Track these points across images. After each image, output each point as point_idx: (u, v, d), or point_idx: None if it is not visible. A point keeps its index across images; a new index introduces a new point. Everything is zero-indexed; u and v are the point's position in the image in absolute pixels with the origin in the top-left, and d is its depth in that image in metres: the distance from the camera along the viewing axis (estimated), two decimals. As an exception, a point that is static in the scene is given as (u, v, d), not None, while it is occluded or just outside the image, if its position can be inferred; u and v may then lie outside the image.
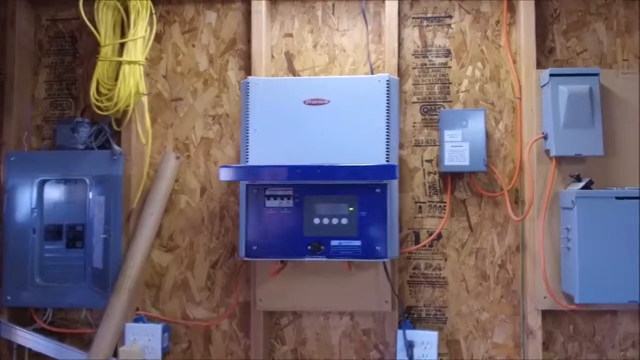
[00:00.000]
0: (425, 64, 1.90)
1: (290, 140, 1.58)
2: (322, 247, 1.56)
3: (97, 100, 1.77)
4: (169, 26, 1.96)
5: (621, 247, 1.59)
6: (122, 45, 1.80)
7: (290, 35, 1.93)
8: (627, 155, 1.73)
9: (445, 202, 1.85)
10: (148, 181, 1.89)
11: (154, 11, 1.85)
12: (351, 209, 1.56)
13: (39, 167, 1.88)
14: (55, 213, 1.89)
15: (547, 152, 1.73)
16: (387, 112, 1.58)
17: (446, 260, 1.86)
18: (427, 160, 1.88)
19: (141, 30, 1.79)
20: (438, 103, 1.89)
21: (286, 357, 1.89)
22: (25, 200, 1.87)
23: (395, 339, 1.76)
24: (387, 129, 1.57)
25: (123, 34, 1.82)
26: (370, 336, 1.87)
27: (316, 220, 1.57)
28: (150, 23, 1.84)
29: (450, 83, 1.88)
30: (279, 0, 1.93)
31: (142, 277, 1.90)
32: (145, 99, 1.82)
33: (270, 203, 1.58)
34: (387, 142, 1.57)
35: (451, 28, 1.89)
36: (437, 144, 1.86)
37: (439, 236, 1.86)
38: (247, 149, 1.59)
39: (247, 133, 1.59)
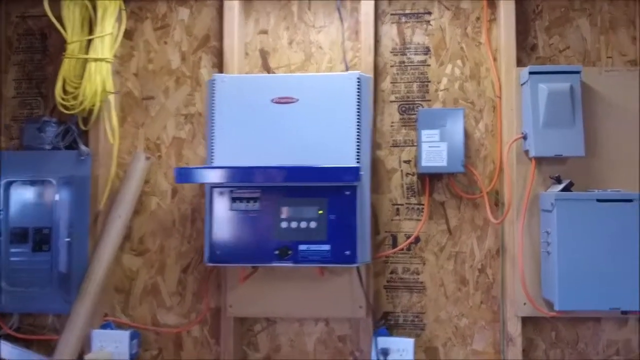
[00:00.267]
0: (404, 62, 1.84)
1: (257, 140, 1.51)
2: (290, 252, 1.50)
3: (62, 99, 1.72)
4: (140, 23, 1.90)
5: (603, 252, 1.53)
6: (90, 42, 1.74)
7: (265, 32, 1.87)
8: (610, 156, 1.67)
9: (423, 205, 1.79)
10: (118, 182, 1.83)
11: (123, 7, 1.79)
12: (320, 212, 1.49)
13: (5, 168, 1.82)
14: (21, 215, 1.82)
15: (527, 152, 1.67)
16: (358, 111, 1.52)
17: (424, 264, 1.80)
18: (405, 161, 1.82)
19: (109, 27, 1.73)
20: (416, 102, 1.83)
21: (259, 365, 1.84)
22: (-10, 202, 1.81)
23: (371, 346, 1.70)
24: (358, 128, 1.51)
25: (92, 31, 1.76)
26: (346, 343, 1.81)
27: (284, 224, 1.51)
28: (119, 20, 1.78)
29: (429, 81, 1.82)
30: (254, -4, 1.88)
31: (111, 282, 1.84)
32: (112, 97, 1.76)
33: (236, 206, 1.51)
34: (358, 142, 1.51)
35: (430, 25, 1.84)
36: (416, 144, 1.80)
37: (417, 239, 1.80)
38: (213, 149, 1.53)
39: (213, 133, 1.53)
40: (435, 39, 1.83)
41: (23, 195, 1.84)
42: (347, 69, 1.78)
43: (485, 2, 1.79)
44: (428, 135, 1.70)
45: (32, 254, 1.81)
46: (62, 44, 1.82)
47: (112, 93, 1.74)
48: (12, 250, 1.81)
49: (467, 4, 1.82)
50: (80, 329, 1.70)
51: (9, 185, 1.82)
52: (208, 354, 1.83)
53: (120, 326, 1.83)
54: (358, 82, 1.52)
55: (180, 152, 1.86)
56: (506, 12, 1.73)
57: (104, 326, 1.80)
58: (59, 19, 1.74)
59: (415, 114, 1.80)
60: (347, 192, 1.48)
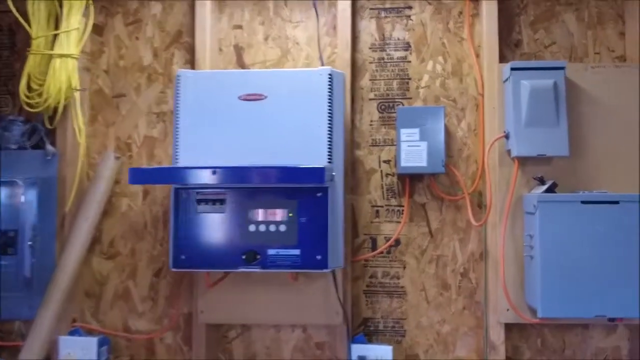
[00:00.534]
0: (383, 58, 1.77)
1: (223, 139, 1.44)
2: (258, 257, 1.43)
3: (27, 96, 1.65)
4: (111, 18, 1.83)
5: (588, 257, 1.46)
6: (55, 38, 1.67)
7: (240, 27, 1.81)
8: (597, 156, 1.60)
9: (403, 206, 1.72)
10: (88, 183, 1.76)
11: (91, 2, 1.72)
12: (290, 214, 1.42)
13: (-30, 169, 1.76)
14: (-13, 218, 1.77)
15: (509, 152, 1.60)
16: (330, 109, 1.45)
17: (405, 268, 1.73)
18: (384, 161, 1.75)
19: (75, 22, 1.66)
20: (397, 100, 1.76)
21: (233, 373, 1.77)
22: (-45, 204, 1.75)
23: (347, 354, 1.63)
24: (330, 127, 1.44)
25: (58, 27, 1.69)
26: (324, 350, 1.75)
27: (252, 227, 1.44)
28: (87, 14, 1.71)
29: (410, 78, 1.76)
30: (228, -10, 1.81)
31: (80, 286, 1.77)
32: (78, 95, 1.70)
33: (201, 208, 1.44)
34: (330, 141, 1.44)
35: (411, 20, 1.77)
36: (396, 143, 1.73)
37: (397, 242, 1.73)
38: (177, 148, 1.46)
39: (177, 131, 1.46)
40: (416, 34, 1.76)
41: (-11, 197, 1.77)
42: (323, 66, 1.71)
43: (468, -4, 1.73)
44: (407, 135, 1.63)
45: (-3, 257, 1.75)
46: (30, 40, 1.75)
47: (78, 90, 1.67)
48: (-22, 253, 1.75)
49: (449, -2, 1.76)
50: (45, 335, 1.63)
51: (-26, 186, 1.76)
52: (180, 362, 1.76)
53: (89, 332, 1.76)
54: (329, 78, 1.45)
55: (152, 151, 1.79)
56: (488, 7, 1.67)
57: (72, 332, 1.73)
58: (26, 15, 1.67)
59: (395, 112, 1.73)
60: (319, 194, 1.41)
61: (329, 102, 1.45)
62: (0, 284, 1.73)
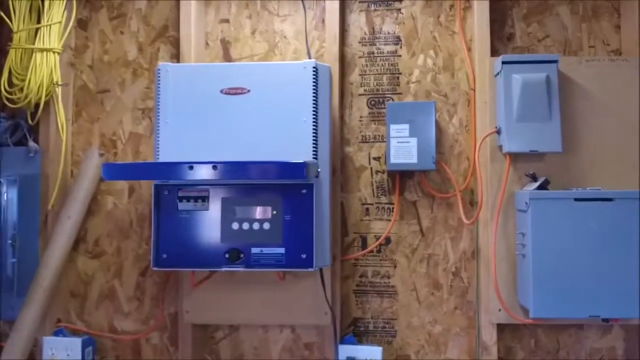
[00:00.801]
0: (373, 53, 1.73)
1: (205, 134, 1.40)
2: (242, 256, 1.39)
3: (7, 91, 1.61)
4: (95, 12, 1.79)
5: (581, 255, 1.42)
6: (37, 32, 1.64)
7: (227, 20, 1.77)
8: (591, 152, 1.56)
9: (394, 204, 1.69)
10: (72, 181, 1.73)
11: (74, -5, 1.69)
12: (275, 212, 1.38)
13: (-48, 166, 1.72)
14: (-31, 216, 1.73)
15: (501, 148, 1.56)
16: (315, 103, 1.41)
17: (395, 267, 1.69)
18: (374, 158, 1.71)
19: (57, 16, 1.63)
20: (387, 95, 1.72)
21: (221, 374, 1.73)
22: None
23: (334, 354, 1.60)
24: (315, 122, 1.40)
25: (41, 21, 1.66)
26: (313, 351, 1.71)
27: (235, 225, 1.40)
28: (69, 8, 1.68)
29: (400, 73, 1.72)
30: (215, -17, 1.77)
31: (65, 286, 1.74)
32: (60, 90, 1.66)
33: (183, 206, 1.40)
34: (315, 136, 1.40)
35: (401, 13, 1.73)
36: (385, 140, 1.69)
37: (388, 241, 1.70)
38: (158, 144, 1.42)
39: (158, 126, 1.42)
40: (406, 28, 1.72)
41: (-29, 195, 1.74)
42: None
43: (460, -11, 1.69)
44: (397, 131, 1.59)
45: (-21, 256, 1.72)
46: (11, 34, 1.72)
47: (59, 85, 1.63)
48: (-41, 253, 1.72)
49: (440, -9, 1.72)
50: (27, 336, 1.60)
51: (-44, 184, 1.73)
52: (167, 363, 1.73)
53: (74, 333, 1.73)
54: (314, 71, 1.41)
55: (137, 148, 1.75)
56: (480, -1, 1.62)
57: (56, 332, 1.70)
58: (7, 8, 1.63)
59: (385, 108, 1.69)
60: (304, 191, 1.37)
61: (314, 96, 1.41)
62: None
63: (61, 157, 1.68)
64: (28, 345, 1.60)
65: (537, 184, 1.48)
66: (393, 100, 1.71)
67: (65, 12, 1.65)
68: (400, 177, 1.68)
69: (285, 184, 1.38)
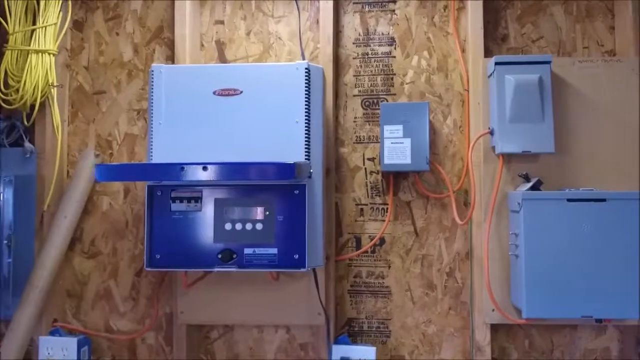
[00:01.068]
0: (367, 54, 1.73)
1: (198, 135, 1.41)
2: (235, 256, 1.39)
3: (3, 92, 1.62)
4: (91, 13, 1.80)
5: (573, 256, 1.42)
6: (33, 33, 1.64)
7: (222, 22, 1.77)
8: (583, 153, 1.56)
9: (388, 205, 1.69)
10: (68, 182, 1.74)
11: (69, -4, 1.70)
12: (267, 213, 1.39)
13: (-52, 167, 1.73)
14: (-35, 216, 1.74)
15: (494, 149, 1.56)
16: (307, 104, 1.41)
17: (389, 267, 1.70)
18: (368, 159, 1.72)
19: (52, 17, 1.63)
20: (381, 96, 1.72)
21: (215, 374, 1.74)
22: None
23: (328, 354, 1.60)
24: (307, 123, 1.40)
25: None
26: (307, 351, 1.71)
27: (228, 226, 1.41)
28: (65, 9, 1.69)
29: (394, 74, 1.72)
30: (210, -15, 1.77)
31: (61, 286, 1.75)
32: (55, 91, 1.67)
33: (176, 206, 1.41)
34: (307, 137, 1.40)
35: (395, 14, 1.73)
36: (380, 140, 1.69)
37: (382, 241, 1.70)
38: (151, 145, 1.43)
39: (151, 128, 1.43)
40: (401, 29, 1.72)
41: (-33, 196, 1.75)
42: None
43: (454, -10, 1.69)
44: (391, 131, 1.59)
45: (-25, 257, 1.73)
46: (7, 35, 1.72)
47: (55, 86, 1.64)
48: (-44, 253, 1.73)
49: (434, -8, 1.72)
50: (23, 335, 1.61)
51: (-48, 185, 1.74)
52: (162, 363, 1.74)
53: (71, 332, 1.74)
54: (307, 72, 1.41)
55: (132, 149, 1.76)
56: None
57: (53, 332, 1.71)
58: (3, 10, 1.64)
59: (379, 109, 1.70)
60: (296, 192, 1.37)
61: (307, 97, 1.41)
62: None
63: (56, 157, 1.69)
64: (24, 345, 1.61)
65: (530, 185, 1.48)
66: (387, 101, 1.71)
67: (61, 13, 1.66)
68: (395, 178, 1.69)
69: (278, 185, 1.39)
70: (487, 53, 1.64)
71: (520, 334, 1.66)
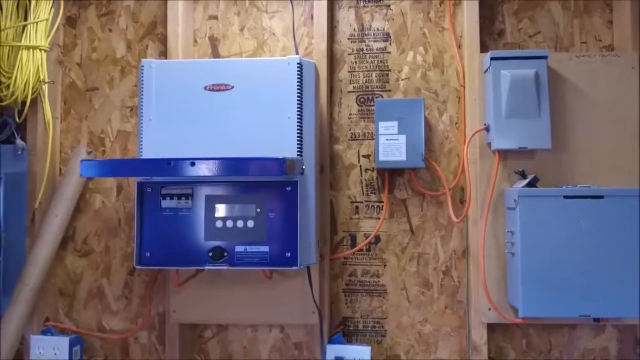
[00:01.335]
0: (362, 49, 1.71)
1: (188, 131, 1.39)
2: (226, 254, 1.37)
3: (-7, 89, 1.61)
4: (84, 9, 1.79)
5: (570, 254, 1.40)
6: (24, 29, 1.63)
7: (215, 17, 1.76)
8: (580, 149, 1.53)
9: (383, 202, 1.67)
10: (60, 179, 1.72)
11: (61, -8, 1.68)
12: (258, 210, 1.37)
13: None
14: (-43, 214, 1.73)
15: (490, 145, 1.54)
16: (299, 100, 1.39)
17: (385, 266, 1.68)
18: (363, 156, 1.70)
19: (44, 13, 1.62)
20: (376, 92, 1.70)
21: (209, 373, 1.72)
22: None
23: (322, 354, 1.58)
24: (299, 118, 1.38)
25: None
26: (302, 350, 1.69)
27: (219, 223, 1.38)
28: (57, 5, 1.67)
29: (390, 70, 1.70)
30: (203, -20, 1.76)
31: (53, 284, 1.73)
32: (46, 88, 1.65)
33: (166, 203, 1.39)
34: (299, 133, 1.38)
35: (390, 9, 1.71)
36: (375, 137, 1.67)
37: (377, 239, 1.68)
38: (142, 141, 1.40)
39: (142, 123, 1.41)
40: (396, 24, 1.70)
41: (-41, 193, 1.73)
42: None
43: (450, -15, 1.67)
44: (386, 128, 1.57)
45: (-34, 255, 1.71)
46: (1, 31, 1.71)
47: (46, 83, 1.62)
48: (-53, 251, 1.72)
49: (430, -13, 1.70)
50: (14, 335, 1.59)
51: (-57, 182, 1.72)
52: (155, 362, 1.72)
53: (63, 331, 1.72)
54: (299, 67, 1.39)
55: (125, 146, 1.74)
56: (470, -6, 1.60)
57: (44, 331, 1.69)
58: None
59: (374, 105, 1.68)
60: (288, 188, 1.35)
61: (299, 93, 1.39)
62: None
63: (48, 154, 1.68)
64: (15, 344, 1.60)
65: (526, 181, 1.46)
66: (382, 97, 1.69)
67: (53, 9, 1.64)
68: (390, 175, 1.66)
69: (269, 181, 1.37)
70: (484, 48, 1.62)
71: (518, 333, 1.63)
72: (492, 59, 1.49)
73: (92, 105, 1.77)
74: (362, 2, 1.72)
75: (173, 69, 1.43)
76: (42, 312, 1.70)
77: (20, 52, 1.59)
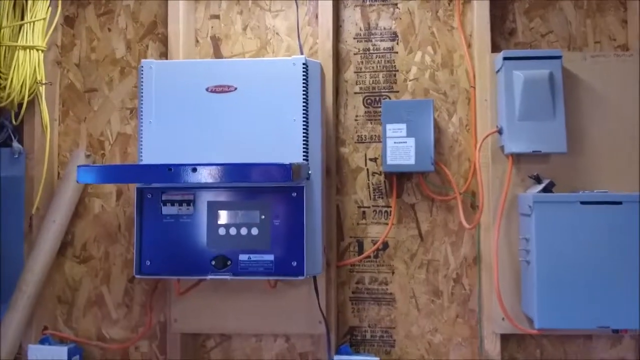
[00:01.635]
0: (369, 49, 1.66)
1: (190, 134, 1.34)
2: (229, 263, 1.32)
3: (-11, 91, 1.56)
4: (82, 9, 1.74)
5: (588, 262, 1.34)
6: (20, 29, 1.58)
7: (217, 16, 1.71)
8: (597, 152, 1.48)
9: (391, 207, 1.62)
10: (58, 183, 1.67)
11: (59, -9, 1.63)
12: (263, 216, 1.31)
13: None
14: (-48, 219, 1.68)
15: (503, 148, 1.48)
16: (305, 101, 1.33)
17: (393, 273, 1.62)
18: (370, 159, 1.64)
19: (41, 12, 1.57)
20: (383, 93, 1.65)
21: (211, 384, 1.66)
22: None
23: (330, 365, 1.53)
24: (305, 121, 1.33)
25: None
26: (307, 360, 1.64)
27: (221, 231, 1.33)
28: (55, 5, 1.62)
29: (397, 70, 1.64)
30: (205, -22, 1.71)
31: (52, 292, 1.68)
32: (43, 89, 1.60)
33: (167, 210, 1.33)
34: (305, 136, 1.33)
35: (398, 8, 1.66)
36: (382, 140, 1.61)
37: (385, 246, 1.62)
38: (141, 144, 1.35)
39: (141, 126, 1.36)
40: (403, 23, 1.65)
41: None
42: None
43: (459, -18, 1.61)
44: (393, 130, 1.52)
45: (-38, 261, 1.66)
46: (-2, 32, 1.66)
47: (43, 84, 1.57)
48: (-58, 257, 1.67)
49: (439, -15, 1.65)
50: (11, 343, 1.54)
51: (-61, 187, 1.67)
52: (156, 372, 1.66)
53: (61, 340, 1.67)
54: (304, 67, 1.34)
55: (125, 149, 1.70)
56: (480, -8, 1.55)
57: (42, 340, 1.64)
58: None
59: (381, 107, 1.62)
60: (294, 194, 1.30)
61: (304, 94, 1.33)
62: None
63: (45, 158, 1.63)
64: (12, 353, 1.55)
65: (541, 187, 1.40)
66: (390, 98, 1.64)
67: (50, 8, 1.59)
68: (398, 179, 1.61)
69: (274, 187, 1.31)
70: (494, 48, 1.57)
71: (532, 343, 1.58)
72: (504, 58, 1.43)
73: (91, 107, 1.72)
74: (368, 0, 1.67)
75: (174, 69, 1.38)
76: (40, 320, 1.65)
77: (16, 52, 1.54)
